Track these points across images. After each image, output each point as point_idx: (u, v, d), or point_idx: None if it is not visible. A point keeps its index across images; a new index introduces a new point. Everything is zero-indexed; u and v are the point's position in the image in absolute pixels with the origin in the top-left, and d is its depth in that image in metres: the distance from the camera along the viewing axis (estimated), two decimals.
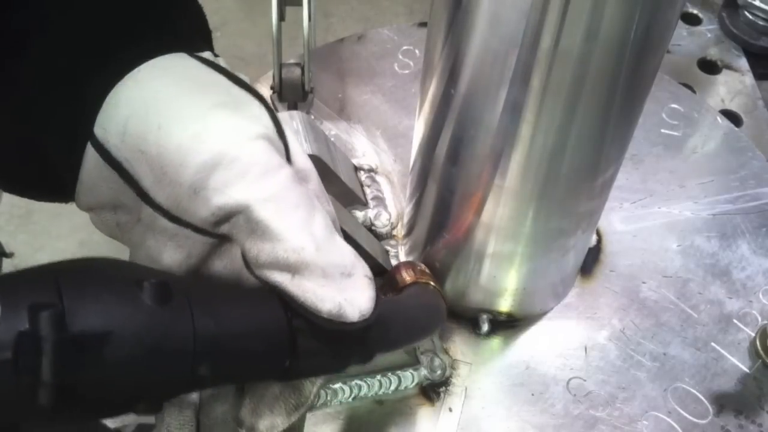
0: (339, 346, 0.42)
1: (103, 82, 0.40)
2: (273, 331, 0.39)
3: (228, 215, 0.39)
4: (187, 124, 0.39)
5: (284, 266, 0.39)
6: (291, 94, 0.82)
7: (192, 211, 0.40)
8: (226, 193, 0.39)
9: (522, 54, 0.46)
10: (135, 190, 0.40)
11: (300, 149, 0.45)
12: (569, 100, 0.49)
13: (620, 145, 0.57)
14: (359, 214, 0.73)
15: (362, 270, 0.42)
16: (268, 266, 0.39)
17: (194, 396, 0.44)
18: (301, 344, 0.40)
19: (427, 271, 0.61)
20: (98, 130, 0.40)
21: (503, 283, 0.65)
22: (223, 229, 0.40)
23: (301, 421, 0.47)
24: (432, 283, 0.60)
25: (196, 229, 0.41)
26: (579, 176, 0.56)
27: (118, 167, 0.40)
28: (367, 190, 0.76)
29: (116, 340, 0.32)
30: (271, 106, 0.45)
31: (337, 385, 0.62)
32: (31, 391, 0.29)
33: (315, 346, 0.40)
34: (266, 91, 0.83)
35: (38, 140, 0.43)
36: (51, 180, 0.44)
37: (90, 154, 0.41)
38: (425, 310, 0.56)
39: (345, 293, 0.40)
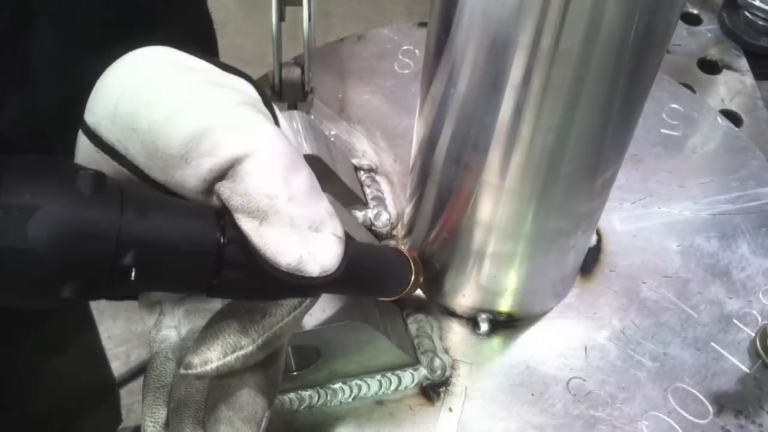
0: (268, 281, 0.41)
1: (94, 71, 0.42)
2: (200, 243, 0.39)
3: (218, 178, 0.40)
4: (175, 98, 0.40)
5: (254, 211, 0.39)
6: (291, 94, 0.82)
7: (185, 182, 0.41)
8: (214, 156, 0.40)
9: (522, 54, 0.46)
10: (130, 170, 0.41)
11: (287, 125, 0.46)
12: (569, 100, 0.49)
13: (620, 146, 0.57)
14: (359, 214, 0.73)
15: (332, 227, 0.42)
16: (240, 209, 0.39)
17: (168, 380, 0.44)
18: (227, 268, 0.40)
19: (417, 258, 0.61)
20: (89, 115, 0.42)
21: (503, 283, 0.65)
22: (216, 200, 0.41)
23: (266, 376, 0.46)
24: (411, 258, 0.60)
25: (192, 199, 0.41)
26: (579, 176, 0.56)
27: (110, 150, 0.41)
28: (367, 190, 0.76)
29: (42, 215, 0.34)
30: (263, 89, 0.46)
31: (336, 386, 0.62)
32: None
33: (240, 276, 0.40)
34: (266, 91, 0.83)
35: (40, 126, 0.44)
36: None
37: (82, 141, 0.42)
38: (382, 266, 0.55)
39: (309, 247, 0.40)
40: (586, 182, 0.57)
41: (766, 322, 0.68)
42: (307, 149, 0.66)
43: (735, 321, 0.69)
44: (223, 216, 0.40)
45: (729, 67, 0.94)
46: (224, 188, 0.40)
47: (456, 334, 0.68)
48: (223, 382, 0.44)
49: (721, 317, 0.69)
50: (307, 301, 0.45)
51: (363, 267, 0.50)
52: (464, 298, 0.67)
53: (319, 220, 0.41)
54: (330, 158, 0.69)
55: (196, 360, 0.41)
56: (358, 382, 0.63)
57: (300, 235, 0.40)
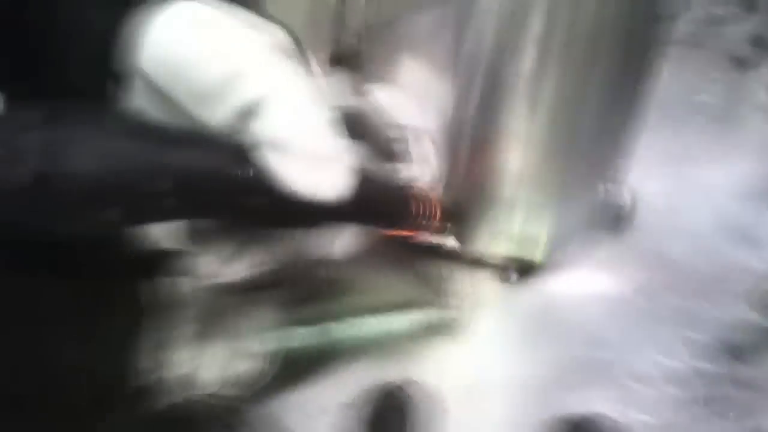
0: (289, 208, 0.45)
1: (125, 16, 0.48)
2: (228, 171, 0.44)
3: (249, 114, 0.45)
4: (212, 45, 0.46)
5: (274, 145, 0.45)
6: (347, 62, 0.88)
7: (221, 118, 0.46)
8: (243, 94, 0.45)
9: (544, 14, 0.51)
10: (175, 108, 0.47)
11: (320, 75, 0.51)
12: (588, 51, 0.53)
13: (638, 96, 0.60)
14: (403, 171, 0.78)
15: (348, 158, 0.47)
16: (264, 142, 0.45)
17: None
18: (253, 194, 0.44)
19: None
20: (141, 60, 0.48)
21: (531, 232, 0.69)
22: (244, 137, 0.47)
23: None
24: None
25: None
26: (600, 125, 0.59)
27: (159, 91, 0.47)
28: (412, 150, 0.81)
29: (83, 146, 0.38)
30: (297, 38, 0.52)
31: (361, 320, 0.67)
32: None
33: (265, 202, 0.45)
34: (324, 60, 0.89)
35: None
36: None
37: (138, 82, 0.49)
38: (385, 195, 0.58)
39: (327, 174, 0.45)
40: (607, 131, 0.60)
41: None
42: (353, 104, 0.72)
43: (759, 280, 0.70)
44: (252, 150, 0.46)
45: None
46: (252, 123, 0.46)
47: (482, 280, 0.72)
48: (247, 297, 0.51)
49: (744, 276, 0.71)
50: (329, 229, 0.50)
51: (367, 195, 0.55)
52: (493, 246, 0.71)
53: (334, 153, 0.47)
54: (375, 115, 0.74)
55: (226, 270, 0.48)
56: (382, 317, 0.68)
57: (319, 164, 0.46)
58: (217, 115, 0.47)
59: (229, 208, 0.46)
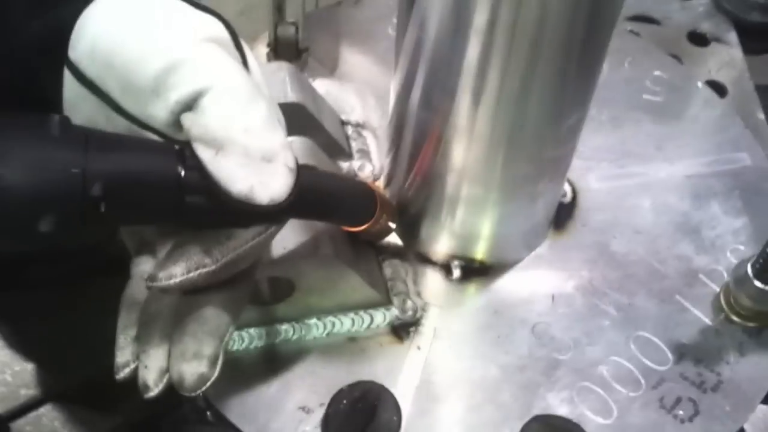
0: (228, 208, 0.44)
1: (76, 8, 0.45)
2: (161, 172, 0.42)
3: (185, 110, 0.43)
4: (146, 37, 0.43)
5: (211, 140, 0.42)
6: (285, 52, 0.85)
7: (156, 114, 0.44)
8: (179, 89, 0.43)
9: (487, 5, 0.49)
10: (108, 104, 0.45)
11: (257, 66, 0.49)
12: (533, 44, 0.51)
13: (582, 92, 0.59)
14: (344, 165, 0.76)
15: (285, 159, 0.45)
16: (199, 139, 0.42)
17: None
18: (189, 194, 0.43)
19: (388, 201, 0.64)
20: (71, 52, 0.45)
21: (475, 229, 0.68)
22: (182, 135, 0.44)
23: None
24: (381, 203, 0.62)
25: (162, 136, 0.44)
26: (544, 121, 0.58)
27: (90, 85, 0.44)
28: (353, 143, 0.79)
29: (14, 155, 0.38)
30: (232, 28, 0.49)
31: (311, 321, 0.66)
32: None
33: (202, 203, 0.43)
34: (263, 49, 0.86)
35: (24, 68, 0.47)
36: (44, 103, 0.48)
37: (67, 76, 0.45)
38: (343, 193, 0.57)
39: (261, 176, 0.43)
40: (551, 127, 0.59)
41: (731, 277, 0.70)
42: (292, 98, 0.69)
43: (701, 276, 0.71)
44: (184, 150, 0.44)
45: (718, 40, 0.96)
46: (187, 119, 0.43)
47: (429, 279, 0.70)
48: (189, 298, 0.48)
49: (688, 272, 0.71)
50: (272, 228, 0.48)
51: (321, 193, 0.53)
52: (438, 244, 0.70)
53: (272, 152, 0.44)
54: (315, 109, 0.72)
55: (161, 274, 0.45)
56: (332, 319, 0.66)
57: (252, 164, 0.43)
58: (152, 111, 0.44)
59: (164, 210, 0.44)
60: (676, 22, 0.98)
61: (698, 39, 0.96)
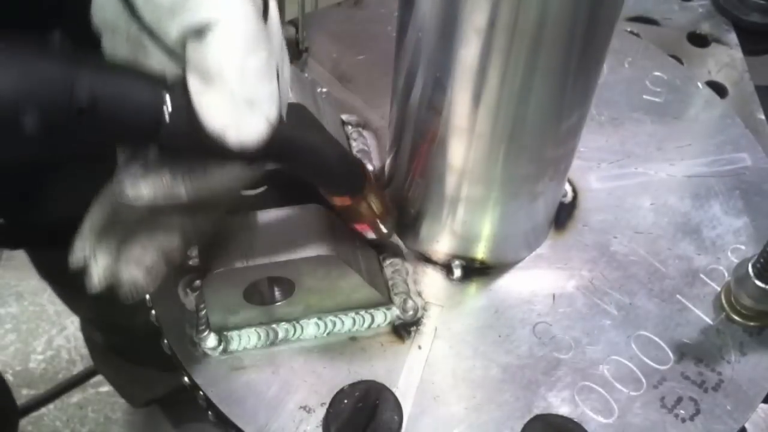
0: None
1: None
2: (146, 92, 0.44)
3: (191, 35, 0.44)
4: None
5: (204, 72, 0.44)
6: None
7: (169, 31, 0.45)
8: (192, 13, 0.44)
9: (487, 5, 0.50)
10: (129, 8, 0.46)
11: (277, 16, 0.50)
12: (533, 44, 0.52)
13: (582, 91, 0.59)
14: None
15: (267, 111, 0.46)
16: (193, 67, 0.44)
17: None
18: (171, 116, 0.45)
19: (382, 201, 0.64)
20: None
21: (475, 229, 0.68)
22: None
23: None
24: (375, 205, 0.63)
25: (170, 52, 0.46)
26: (544, 120, 0.58)
27: None
28: (353, 143, 0.79)
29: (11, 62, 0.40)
30: None
31: (312, 321, 0.66)
32: None
33: (182, 127, 0.45)
34: None
35: None
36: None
37: None
38: (326, 155, 0.57)
39: (238, 120, 0.44)
40: (551, 126, 0.59)
41: (732, 277, 0.70)
42: (292, 98, 0.69)
43: (702, 276, 0.71)
44: (174, 85, 0.45)
45: (718, 41, 0.96)
46: (190, 44, 0.45)
47: (430, 278, 0.70)
48: (153, 218, 0.51)
49: (688, 272, 0.71)
50: (247, 174, 0.50)
51: (304, 149, 0.53)
52: (439, 244, 0.70)
53: (256, 99, 0.45)
54: (315, 109, 0.72)
55: (130, 192, 0.47)
56: (333, 318, 0.66)
57: (234, 107, 0.45)
58: (165, 27, 0.45)
59: (143, 133, 0.46)
60: (676, 23, 0.98)
61: (698, 40, 0.96)
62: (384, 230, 0.66)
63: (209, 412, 0.64)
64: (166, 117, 0.44)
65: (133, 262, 0.51)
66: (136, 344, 0.98)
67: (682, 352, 0.66)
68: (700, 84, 0.86)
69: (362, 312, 0.66)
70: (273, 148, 0.46)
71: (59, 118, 0.41)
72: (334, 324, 0.66)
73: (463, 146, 0.61)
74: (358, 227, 0.64)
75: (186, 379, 0.65)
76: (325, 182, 0.60)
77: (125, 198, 0.47)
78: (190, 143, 0.46)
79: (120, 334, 1.35)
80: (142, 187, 0.47)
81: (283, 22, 0.84)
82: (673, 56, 0.92)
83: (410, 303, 0.67)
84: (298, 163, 0.53)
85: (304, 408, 0.61)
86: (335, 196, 0.61)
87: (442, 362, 0.65)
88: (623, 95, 0.84)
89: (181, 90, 0.44)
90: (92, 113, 0.42)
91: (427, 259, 0.71)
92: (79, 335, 1.66)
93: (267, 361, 0.65)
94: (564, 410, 0.62)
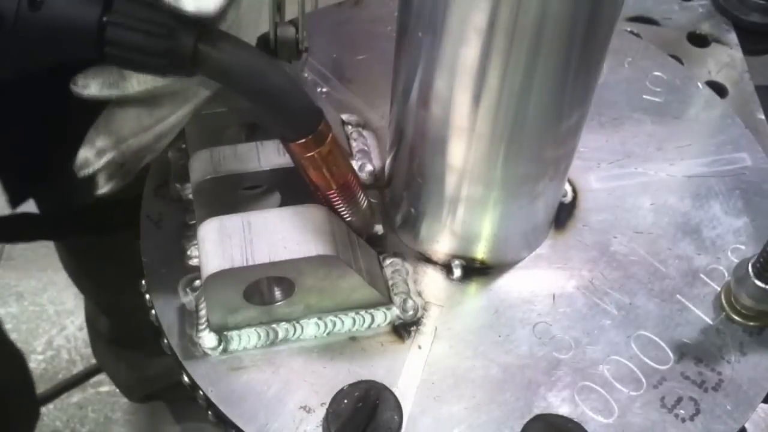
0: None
1: None
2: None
3: None
4: None
5: None
6: (285, 52, 0.85)
7: None
8: None
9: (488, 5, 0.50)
10: None
11: None
12: (533, 44, 0.52)
13: (582, 92, 0.59)
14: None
15: None
16: None
17: None
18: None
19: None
20: None
21: (475, 229, 0.68)
22: None
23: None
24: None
25: None
26: (544, 120, 0.59)
27: None
28: (354, 144, 0.79)
29: None
30: None
31: (312, 320, 0.66)
32: None
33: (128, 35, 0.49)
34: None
35: None
36: None
37: None
38: (280, 84, 0.56)
39: None
40: (551, 126, 0.59)
41: (732, 277, 0.70)
42: None
43: (702, 276, 0.71)
44: None
45: (718, 41, 0.96)
46: None
47: (430, 278, 0.70)
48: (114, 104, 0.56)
49: (688, 272, 0.71)
50: (191, 80, 0.54)
51: (254, 72, 0.54)
52: (439, 244, 0.70)
53: None
54: None
55: (79, 81, 0.52)
56: (333, 318, 0.66)
57: None
58: None
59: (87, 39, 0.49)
60: (676, 23, 0.98)
61: (698, 40, 0.96)
62: (360, 202, 0.65)
63: (209, 412, 0.64)
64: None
65: (87, 140, 0.55)
66: (140, 332, 0.98)
67: (682, 352, 0.66)
68: (700, 84, 0.86)
69: (362, 312, 0.66)
70: (221, 62, 0.51)
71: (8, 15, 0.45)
72: (334, 324, 0.66)
73: (463, 146, 0.61)
74: (329, 192, 0.63)
75: (186, 378, 0.65)
76: (273, 116, 0.58)
77: (74, 87, 0.52)
78: (134, 45, 0.49)
79: (124, 320, 1.36)
80: (90, 80, 0.52)
81: (283, 22, 0.84)
82: (673, 56, 0.92)
83: (410, 303, 0.67)
84: (244, 86, 0.55)
85: (304, 408, 0.61)
86: (292, 140, 0.59)
87: (442, 362, 0.65)
88: (623, 95, 0.84)
89: None
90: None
91: (427, 259, 0.71)
92: (79, 335, 1.67)
93: (267, 361, 0.65)
94: (564, 410, 0.62)
